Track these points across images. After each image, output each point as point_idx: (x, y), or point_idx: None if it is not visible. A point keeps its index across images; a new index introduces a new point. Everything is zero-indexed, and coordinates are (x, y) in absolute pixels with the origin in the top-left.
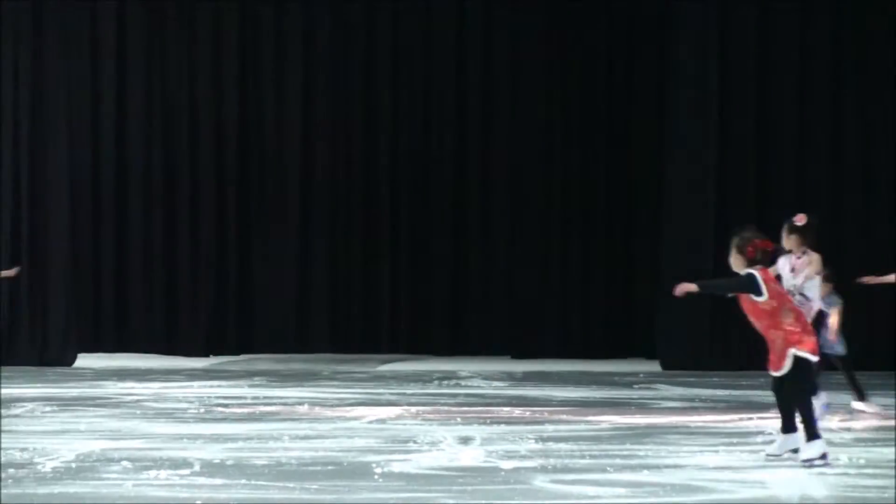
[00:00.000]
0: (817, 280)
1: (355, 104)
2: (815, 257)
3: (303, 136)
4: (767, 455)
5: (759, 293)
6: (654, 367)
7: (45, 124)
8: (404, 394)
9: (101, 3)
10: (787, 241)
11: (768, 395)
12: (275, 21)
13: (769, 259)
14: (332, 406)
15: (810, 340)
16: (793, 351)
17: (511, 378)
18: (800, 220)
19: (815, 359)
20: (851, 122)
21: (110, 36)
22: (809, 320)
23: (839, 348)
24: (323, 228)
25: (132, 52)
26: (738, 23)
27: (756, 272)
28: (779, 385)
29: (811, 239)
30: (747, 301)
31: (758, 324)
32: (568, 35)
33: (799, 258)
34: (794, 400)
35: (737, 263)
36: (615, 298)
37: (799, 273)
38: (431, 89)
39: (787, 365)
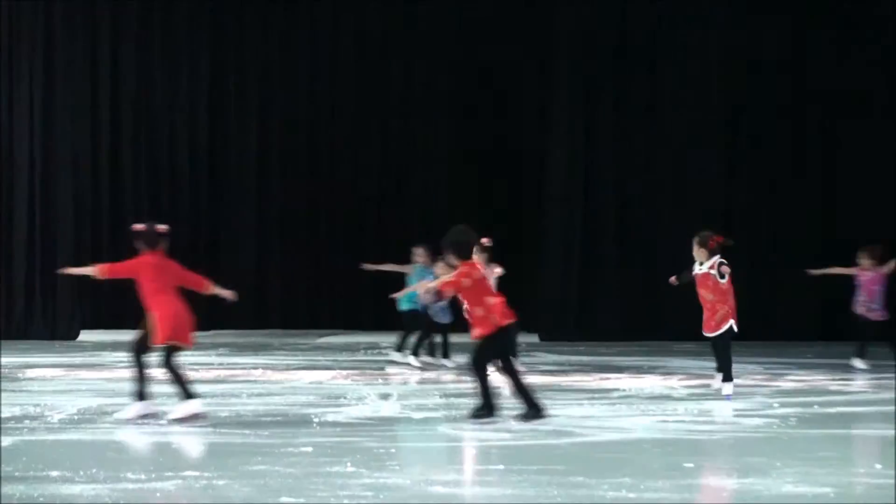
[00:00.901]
0: None
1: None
2: None
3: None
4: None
5: (723, 277)
6: (535, 338)
7: (54, 138)
8: (337, 360)
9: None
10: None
11: (622, 361)
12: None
13: (723, 251)
14: (280, 370)
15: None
16: (731, 322)
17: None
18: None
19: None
20: None
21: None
22: None
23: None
24: (276, 229)
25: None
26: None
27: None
28: (716, 342)
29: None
30: (711, 280)
31: (711, 297)
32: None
33: None
34: (724, 353)
35: (700, 255)
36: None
37: None
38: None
39: (723, 329)
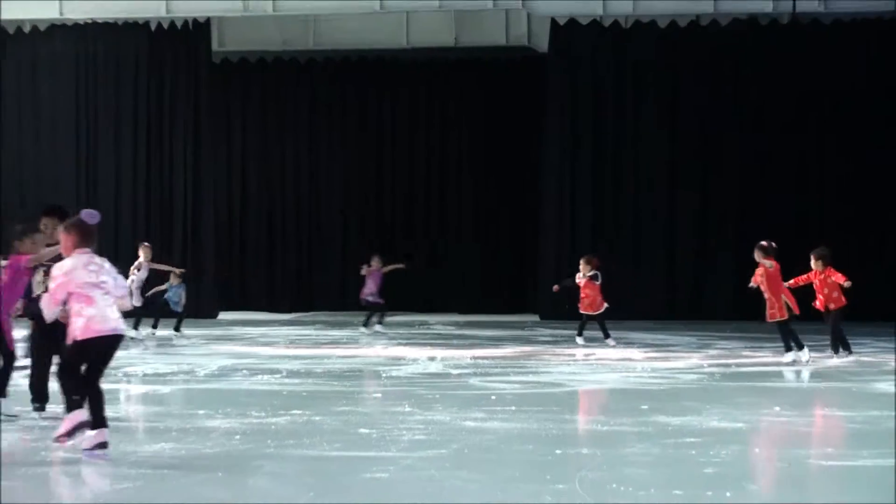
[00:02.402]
0: None
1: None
2: None
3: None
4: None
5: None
6: (536, 318)
7: (201, 187)
8: (399, 332)
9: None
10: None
11: (598, 334)
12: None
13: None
14: (359, 341)
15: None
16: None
17: (457, 325)
18: None
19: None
20: None
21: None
22: None
23: None
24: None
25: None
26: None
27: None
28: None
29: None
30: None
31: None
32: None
33: None
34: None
35: (585, 269)
36: (517, 277)
37: None
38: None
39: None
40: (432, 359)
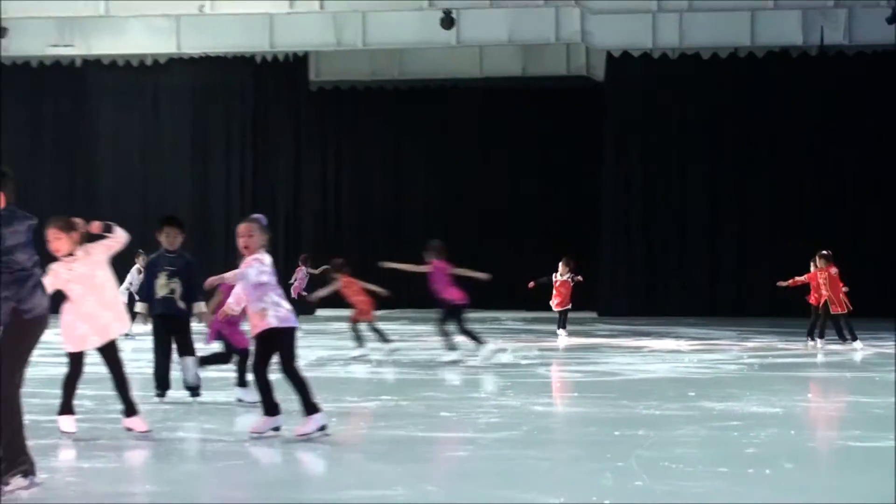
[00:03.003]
0: None
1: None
2: None
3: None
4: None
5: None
6: (594, 314)
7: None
8: (474, 327)
9: None
10: None
11: (649, 329)
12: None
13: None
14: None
15: None
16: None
17: (525, 320)
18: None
19: None
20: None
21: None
22: None
23: None
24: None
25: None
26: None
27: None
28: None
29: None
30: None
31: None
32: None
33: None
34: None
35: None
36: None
37: None
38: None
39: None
40: (503, 350)
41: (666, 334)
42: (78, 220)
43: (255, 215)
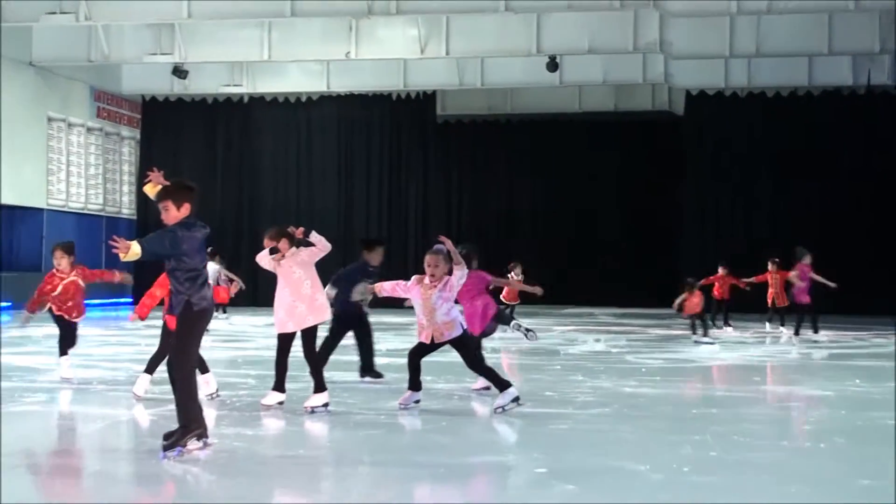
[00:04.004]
0: None
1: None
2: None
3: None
4: None
5: None
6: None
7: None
8: (573, 321)
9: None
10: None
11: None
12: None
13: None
14: (542, 326)
15: None
16: None
17: (615, 315)
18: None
19: None
20: None
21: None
22: None
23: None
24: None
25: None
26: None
27: None
28: None
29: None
30: None
31: None
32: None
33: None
34: None
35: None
36: (662, 281)
37: None
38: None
39: None
40: (598, 340)
41: (736, 328)
42: (291, 228)
43: (438, 246)
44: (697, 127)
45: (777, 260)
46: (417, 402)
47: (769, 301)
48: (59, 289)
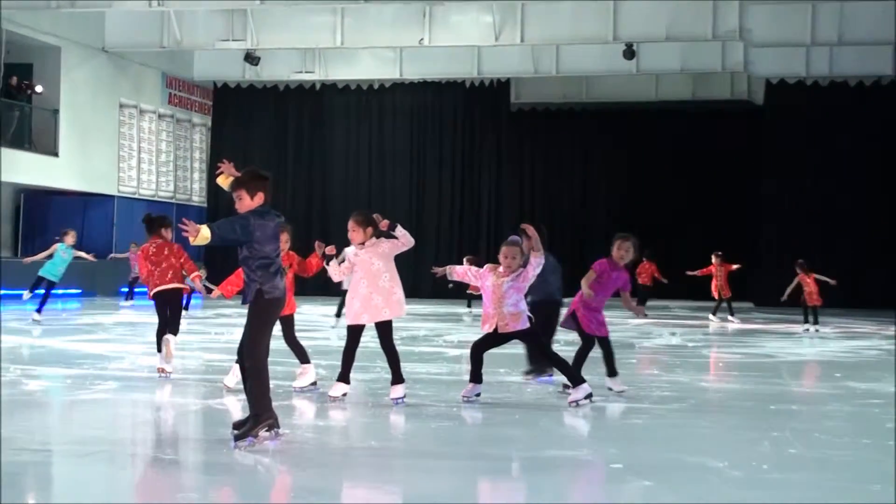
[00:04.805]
0: None
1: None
2: None
3: None
4: None
5: None
6: (752, 304)
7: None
8: (648, 314)
9: None
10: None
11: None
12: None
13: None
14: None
15: None
16: None
17: (691, 308)
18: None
19: None
20: None
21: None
22: None
23: None
24: None
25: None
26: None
27: None
28: None
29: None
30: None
31: None
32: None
33: None
34: None
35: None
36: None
37: None
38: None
39: None
40: (673, 334)
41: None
42: (377, 216)
43: (514, 237)
44: (777, 116)
45: (720, 253)
46: (478, 394)
47: (715, 293)
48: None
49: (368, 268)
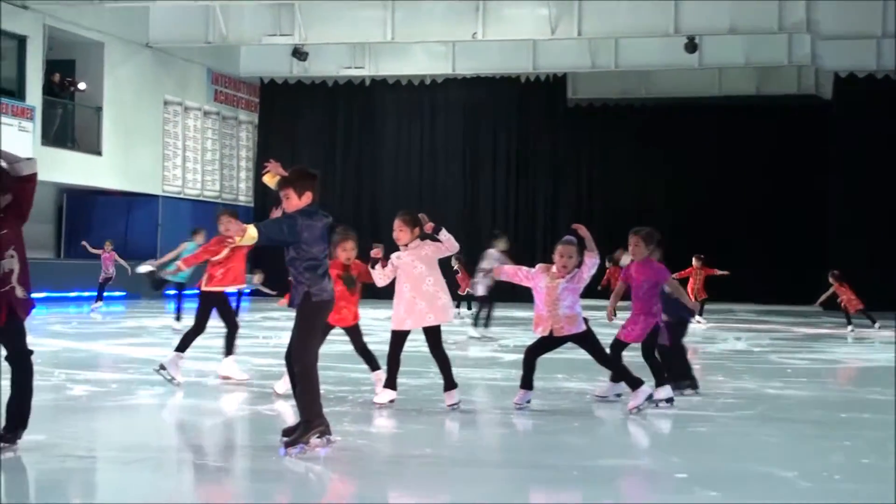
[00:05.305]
0: None
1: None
2: None
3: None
4: None
5: None
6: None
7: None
8: (711, 318)
9: None
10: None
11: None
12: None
13: None
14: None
15: None
16: None
17: (757, 313)
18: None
19: None
20: None
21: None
22: None
23: None
24: None
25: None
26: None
27: None
28: None
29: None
30: None
31: None
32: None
33: None
34: None
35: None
36: (804, 278)
37: None
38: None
39: None
40: (738, 338)
41: (885, 327)
42: (423, 217)
43: (570, 237)
44: (846, 112)
45: (702, 256)
46: (528, 401)
47: (690, 296)
48: (224, 252)
49: (411, 271)
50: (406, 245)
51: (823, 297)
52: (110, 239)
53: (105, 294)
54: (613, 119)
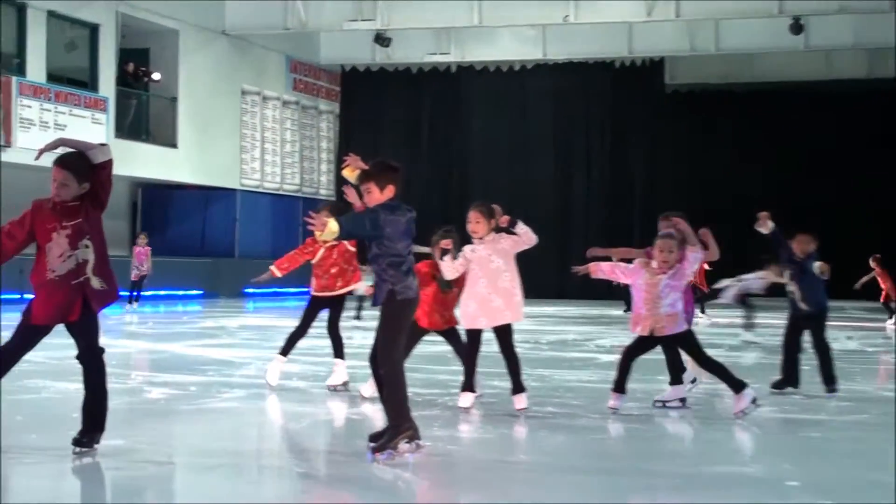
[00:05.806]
0: None
1: None
2: None
3: None
4: None
5: None
6: None
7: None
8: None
9: None
10: None
11: None
12: None
13: None
14: None
15: None
16: None
17: (867, 310)
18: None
19: None
20: None
21: None
22: None
23: None
24: None
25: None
26: None
27: None
28: None
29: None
30: None
31: None
32: None
33: None
34: None
35: None
36: None
37: None
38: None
39: None
40: (849, 338)
41: None
42: (497, 209)
43: (669, 230)
44: None
45: (878, 256)
46: (619, 406)
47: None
48: (320, 254)
49: (487, 265)
50: (482, 238)
51: (863, 279)
52: (145, 231)
53: (141, 293)
54: (714, 104)
